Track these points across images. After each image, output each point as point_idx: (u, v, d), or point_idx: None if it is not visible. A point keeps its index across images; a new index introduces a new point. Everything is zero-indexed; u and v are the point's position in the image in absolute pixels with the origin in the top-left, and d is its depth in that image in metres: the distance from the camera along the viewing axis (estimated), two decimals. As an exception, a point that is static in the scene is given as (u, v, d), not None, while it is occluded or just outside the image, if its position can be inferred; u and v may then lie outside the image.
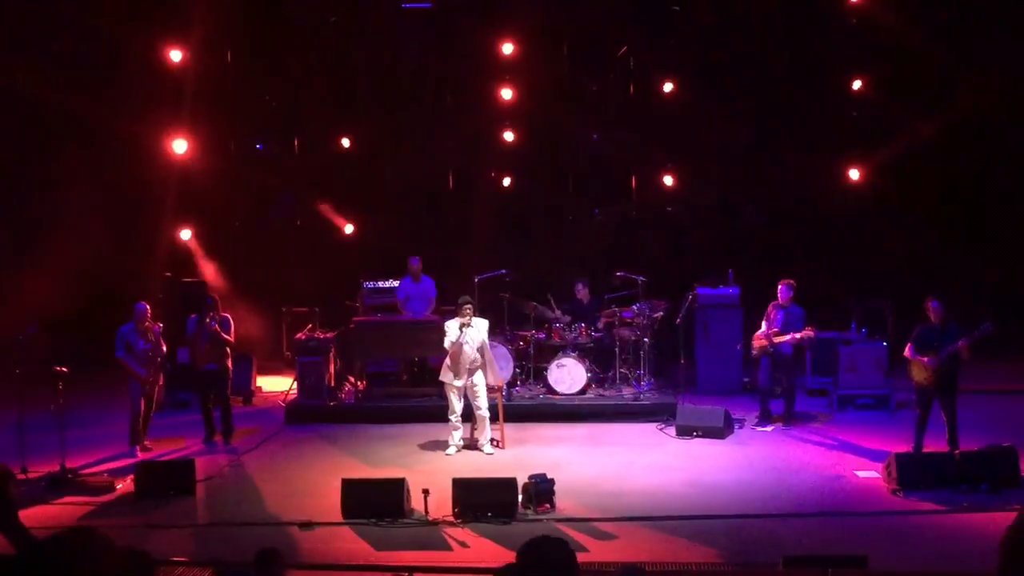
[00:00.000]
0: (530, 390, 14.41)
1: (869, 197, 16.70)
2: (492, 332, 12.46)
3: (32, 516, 9.69)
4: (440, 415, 12.58)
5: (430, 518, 9.65)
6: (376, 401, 14.39)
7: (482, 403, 12.16)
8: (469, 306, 12.00)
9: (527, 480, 9.99)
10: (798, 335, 12.74)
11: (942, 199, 16.78)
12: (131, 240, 16.71)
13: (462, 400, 12.22)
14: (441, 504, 9.78)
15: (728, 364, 14.61)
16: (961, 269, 15.96)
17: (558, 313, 14.71)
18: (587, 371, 14.04)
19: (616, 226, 18.02)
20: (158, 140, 16.22)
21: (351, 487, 9.93)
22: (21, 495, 10.33)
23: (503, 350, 14.01)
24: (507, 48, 16.76)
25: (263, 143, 17.84)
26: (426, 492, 9.69)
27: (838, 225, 16.99)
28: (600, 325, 14.55)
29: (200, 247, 16.80)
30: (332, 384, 14.56)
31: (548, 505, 9.90)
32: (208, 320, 12.51)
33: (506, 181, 17.62)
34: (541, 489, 9.93)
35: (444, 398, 12.38)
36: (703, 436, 12.56)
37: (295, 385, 14.61)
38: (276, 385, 15.70)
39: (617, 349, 14.42)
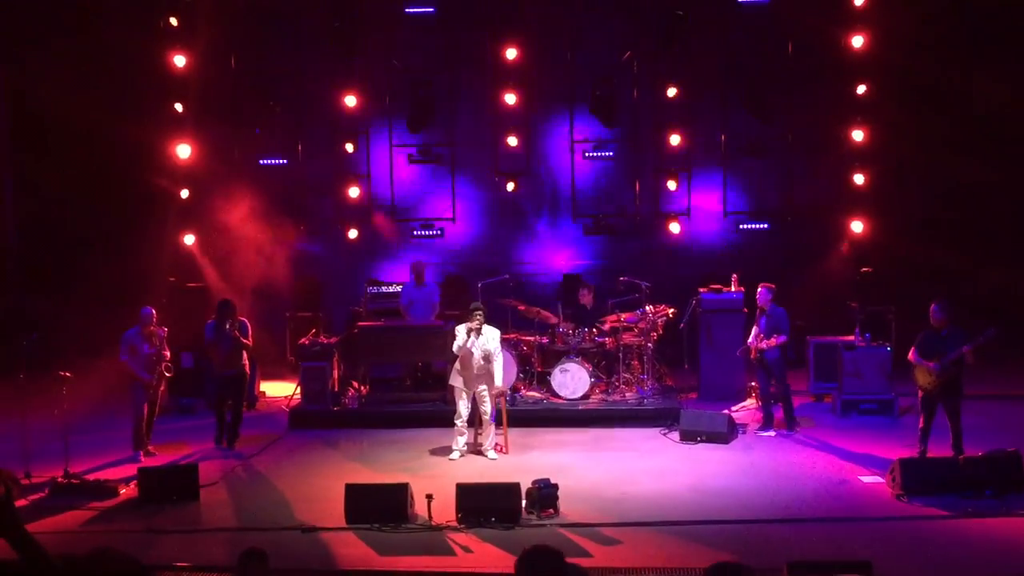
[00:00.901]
0: (534, 395, 14.40)
1: (872, 201, 16.69)
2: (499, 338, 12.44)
3: (35, 522, 9.69)
4: (443, 420, 12.57)
5: (433, 523, 9.64)
6: (379, 406, 14.37)
7: (487, 408, 12.15)
8: (479, 312, 11.98)
9: (531, 485, 9.98)
10: (772, 342, 12.75)
11: (945, 203, 16.75)
12: (136, 245, 16.74)
13: (469, 405, 12.21)
14: (445, 509, 9.77)
15: (732, 369, 14.59)
16: (965, 273, 15.93)
17: (561, 318, 14.69)
18: (591, 376, 14.02)
19: (620, 230, 18.00)
20: (162, 145, 16.27)
21: (355, 492, 9.92)
22: (25, 501, 10.38)
23: (507, 355, 13.98)
24: (511, 53, 16.80)
25: (266, 148, 17.83)
26: (430, 497, 9.68)
27: (840, 229, 16.95)
28: (604, 330, 14.53)
29: (203, 252, 16.81)
30: (336, 389, 14.55)
31: (552, 510, 9.89)
32: (227, 325, 12.52)
33: (510, 186, 17.60)
34: (545, 494, 9.92)
35: (448, 403, 12.36)
36: (707, 441, 12.54)
37: (299, 390, 14.61)
38: (280, 390, 15.70)
39: (621, 354, 14.41)
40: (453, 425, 12.22)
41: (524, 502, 9.86)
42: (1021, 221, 16.63)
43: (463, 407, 12.16)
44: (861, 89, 16.48)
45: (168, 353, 12.61)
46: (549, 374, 14.15)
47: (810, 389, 14.85)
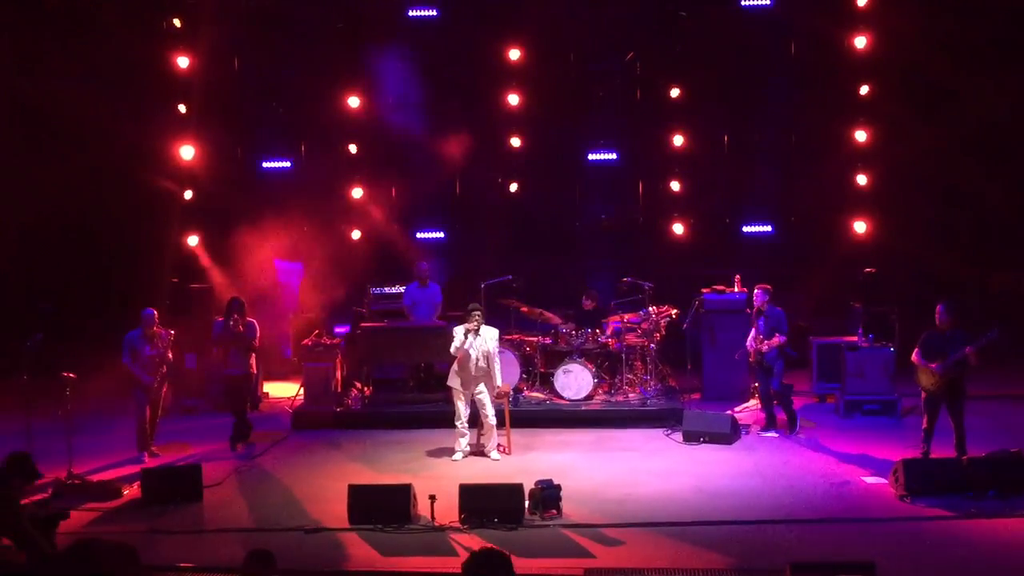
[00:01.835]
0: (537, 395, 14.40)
1: (875, 201, 16.68)
2: (498, 337, 12.44)
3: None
4: (446, 421, 12.58)
5: (436, 524, 9.65)
6: (382, 407, 14.38)
7: (489, 409, 12.16)
8: (477, 313, 12.01)
9: (534, 486, 9.99)
10: (772, 342, 12.75)
11: (949, 203, 16.74)
12: (139, 246, 16.75)
13: (469, 406, 12.22)
14: (448, 510, 9.78)
15: (735, 370, 14.58)
16: (969, 274, 15.93)
17: (564, 318, 14.69)
18: (594, 377, 14.03)
19: (623, 231, 18.00)
20: (165, 146, 16.28)
21: (358, 492, 9.94)
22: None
23: (510, 355, 14.00)
24: (514, 54, 16.81)
25: (269, 150, 17.85)
26: (432, 498, 9.68)
27: (843, 229, 16.93)
28: (607, 331, 14.54)
29: (207, 253, 16.82)
30: (339, 390, 14.56)
31: (555, 511, 9.90)
32: (233, 324, 12.55)
33: (513, 187, 17.61)
34: (548, 495, 9.93)
35: (451, 404, 12.38)
36: (709, 442, 12.54)
37: (302, 391, 14.62)
38: (283, 391, 15.71)
39: (624, 355, 14.41)
40: (455, 426, 12.23)
41: (527, 503, 9.87)
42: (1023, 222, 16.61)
43: (462, 408, 12.17)
44: (864, 90, 16.48)
45: (171, 355, 12.61)
46: (552, 375, 14.15)
47: (813, 390, 14.85)
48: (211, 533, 9.78)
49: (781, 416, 13.14)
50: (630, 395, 14.24)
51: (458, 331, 12.06)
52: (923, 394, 11.28)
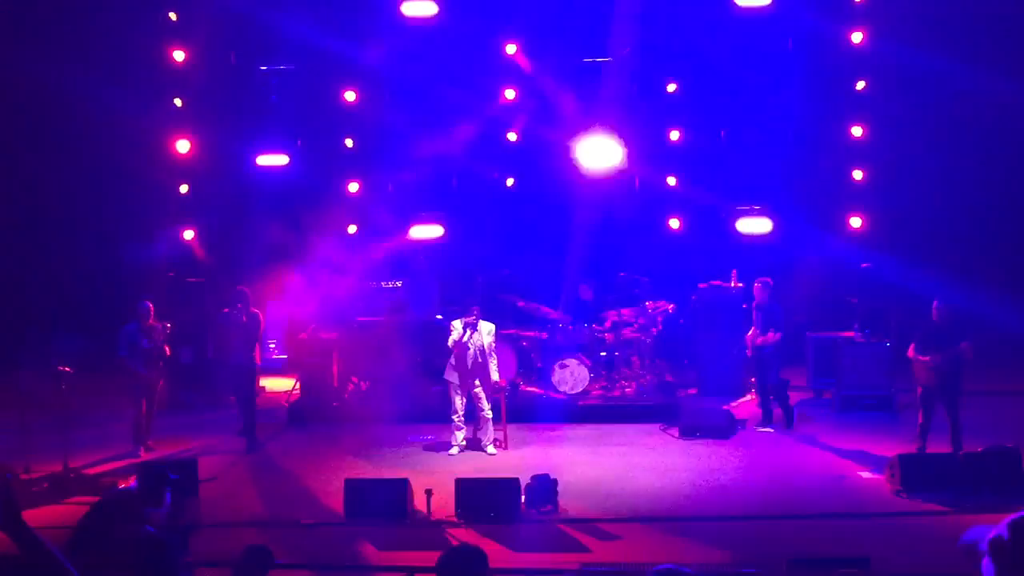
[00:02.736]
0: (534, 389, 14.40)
1: (872, 196, 16.67)
2: (495, 332, 12.44)
3: (35, 516, 9.70)
4: (443, 416, 12.57)
5: (433, 518, 9.66)
6: (379, 401, 14.37)
7: (485, 404, 12.17)
8: (475, 308, 12.02)
9: (530, 480, 10.00)
10: (768, 338, 12.76)
11: (945, 198, 16.74)
12: (135, 240, 16.71)
13: (465, 400, 12.22)
14: (444, 504, 9.79)
15: (731, 365, 14.58)
16: (966, 269, 15.92)
17: (561, 313, 14.69)
18: (590, 371, 14.03)
19: (620, 226, 17.97)
20: (161, 139, 16.24)
21: (354, 487, 9.94)
22: (24, 494, 10.38)
23: (505, 349, 13.99)
24: (510, 48, 16.80)
25: (265, 144, 17.80)
26: (429, 492, 9.69)
27: (840, 224, 16.92)
28: (604, 325, 14.53)
29: (203, 247, 16.77)
30: (335, 384, 14.55)
31: (551, 506, 9.91)
32: (237, 313, 12.55)
33: (509, 182, 17.59)
34: (544, 489, 9.94)
35: (447, 399, 12.38)
36: (706, 436, 12.55)
37: (298, 385, 14.61)
38: (279, 385, 15.70)
39: (620, 349, 14.40)
40: (451, 421, 12.23)
41: (523, 497, 9.88)
42: (1022, 216, 16.60)
43: (459, 402, 12.18)
44: (860, 85, 16.46)
45: (168, 349, 12.61)
46: (549, 370, 14.15)
47: (809, 385, 14.86)
48: (207, 528, 9.77)
49: (778, 411, 13.14)
50: (627, 390, 14.24)
51: (455, 325, 12.08)
52: (919, 389, 11.30)
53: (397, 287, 15.53)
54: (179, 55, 16.18)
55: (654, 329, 14.39)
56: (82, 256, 17.16)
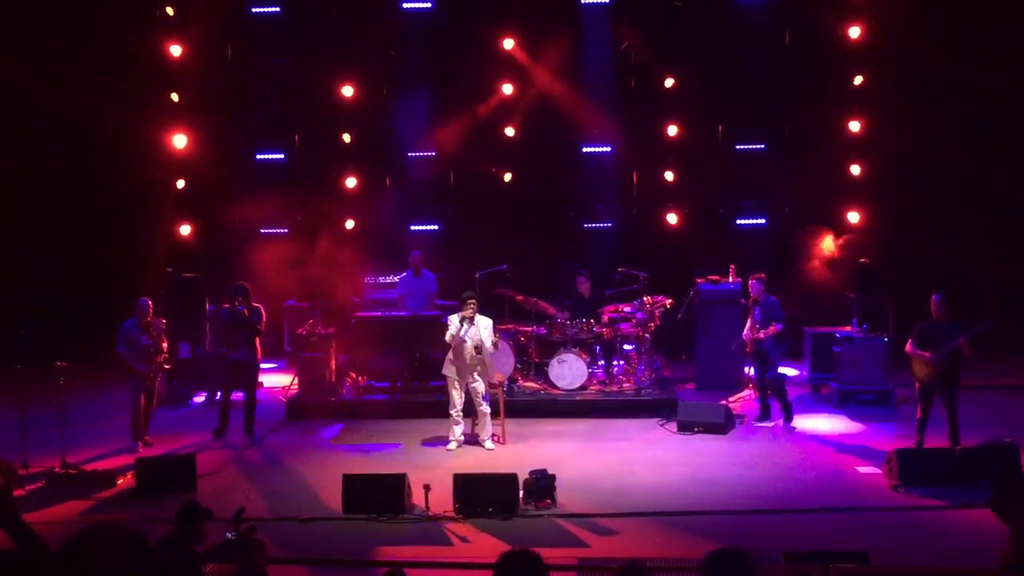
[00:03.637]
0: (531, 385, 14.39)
1: (870, 191, 16.68)
2: (492, 327, 12.43)
3: (32, 512, 9.69)
4: (441, 411, 12.57)
5: (431, 513, 9.66)
6: (377, 396, 14.37)
7: (483, 399, 12.16)
8: (472, 301, 12.03)
9: (528, 476, 10.00)
10: (770, 331, 12.77)
11: (943, 193, 16.74)
12: (132, 235, 16.69)
13: (463, 395, 12.22)
14: (442, 500, 9.79)
15: (729, 360, 14.59)
16: (963, 264, 15.92)
17: (559, 308, 14.67)
18: (588, 367, 14.02)
19: (617, 221, 17.97)
20: (158, 134, 16.22)
21: (352, 482, 9.94)
22: (22, 491, 10.38)
23: (504, 345, 13.98)
24: (508, 43, 16.78)
25: (262, 139, 17.78)
26: (427, 487, 9.69)
27: (838, 219, 16.94)
28: (602, 320, 14.53)
29: (201, 242, 16.76)
30: (333, 379, 14.54)
31: (549, 501, 9.91)
32: (239, 308, 12.52)
33: (507, 176, 17.58)
34: (542, 485, 9.94)
35: (445, 393, 12.37)
36: (704, 432, 12.55)
37: (296, 380, 14.61)
38: (277, 380, 15.69)
39: (618, 345, 14.40)
40: (449, 416, 12.23)
41: (521, 493, 9.88)
42: (1019, 211, 16.60)
43: (457, 397, 12.17)
44: (858, 80, 16.46)
45: (166, 345, 12.60)
46: (546, 365, 14.15)
47: (807, 380, 14.86)
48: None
49: (775, 406, 13.15)
50: (625, 385, 14.24)
51: (453, 319, 12.09)
52: (917, 384, 11.31)
53: (395, 282, 15.49)
54: (176, 50, 16.16)
55: (652, 324, 14.37)
56: (79, 251, 17.13)
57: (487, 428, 12.26)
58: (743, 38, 17.06)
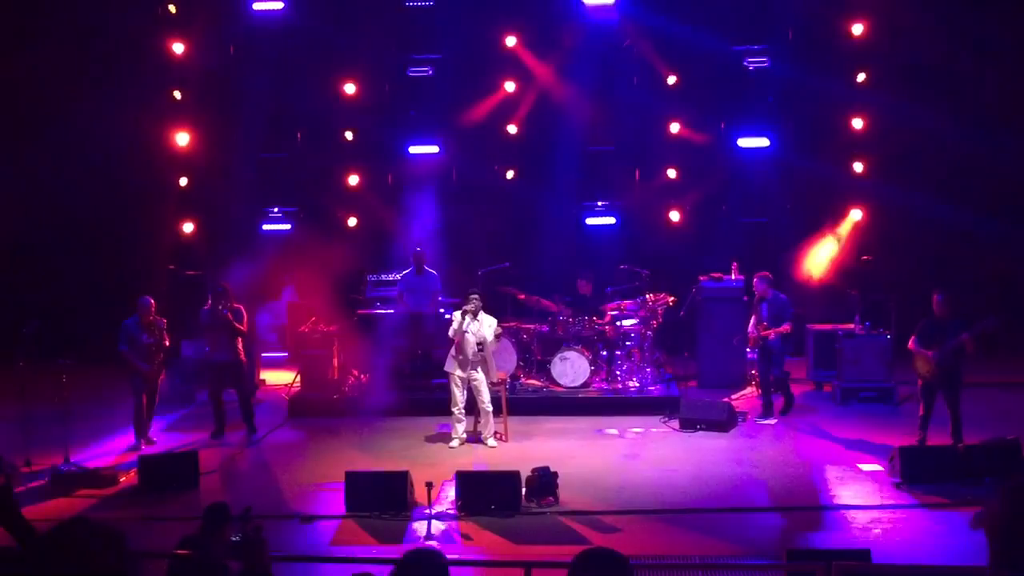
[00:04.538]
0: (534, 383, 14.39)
1: (872, 188, 16.65)
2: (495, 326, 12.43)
3: (35, 509, 9.72)
4: (443, 408, 12.57)
5: (433, 511, 9.65)
6: (379, 394, 14.36)
7: (485, 396, 12.17)
8: (475, 297, 12.04)
9: (530, 473, 10.00)
10: (780, 330, 12.77)
11: (946, 190, 16.70)
12: (134, 233, 16.70)
13: (465, 392, 12.22)
14: (444, 497, 9.78)
15: (732, 357, 14.59)
16: (966, 262, 15.90)
17: (561, 306, 14.67)
18: (590, 364, 14.02)
19: (620, 219, 17.95)
20: (160, 132, 16.22)
21: (354, 480, 9.94)
22: (24, 488, 10.40)
23: (506, 343, 13.98)
24: (511, 40, 16.76)
25: (265, 136, 17.77)
26: (429, 485, 9.68)
27: (840, 216, 16.91)
28: (604, 318, 14.52)
29: (203, 240, 16.76)
30: (335, 377, 14.55)
31: (551, 498, 9.92)
32: (220, 309, 12.50)
33: (509, 174, 17.56)
34: (544, 482, 9.94)
35: (448, 390, 12.38)
36: (706, 429, 12.55)
37: (298, 378, 14.61)
38: (279, 378, 15.70)
39: (621, 342, 14.40)
40: (452, 413, 12.23)
41: (524, 490, 9.88)
42: (1022, 209, 16.57)
43: (459, 394, 12.18)
44: (861, 77, 16.43)
45: (168, 343, 12.60)
46: (549, 362, 14.15)
47: (809, 377, 14.86)
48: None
49: (778, 403, 13.15)
50: (627, 382, 14.23)
51: (456, 315, 12.10)
52: (920, 381, 11.30)
53: (397, 280, 15.49)
54: (178, 47, 16.16)
55: (654, 322, 14.36)
56: (82, 249, 17.14)
57: (489, 425, 12.27)
58: (746, 34, 17.00)
